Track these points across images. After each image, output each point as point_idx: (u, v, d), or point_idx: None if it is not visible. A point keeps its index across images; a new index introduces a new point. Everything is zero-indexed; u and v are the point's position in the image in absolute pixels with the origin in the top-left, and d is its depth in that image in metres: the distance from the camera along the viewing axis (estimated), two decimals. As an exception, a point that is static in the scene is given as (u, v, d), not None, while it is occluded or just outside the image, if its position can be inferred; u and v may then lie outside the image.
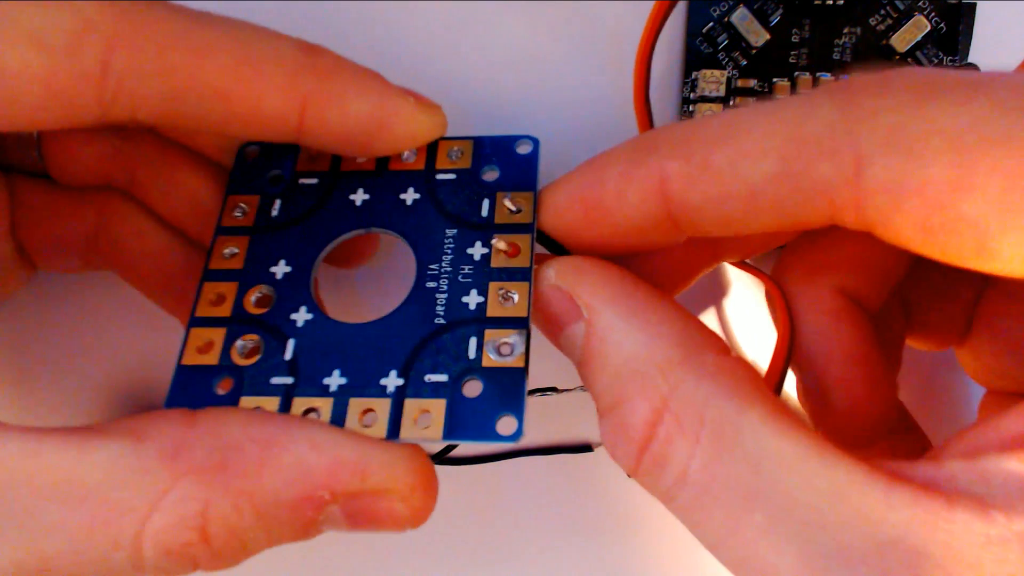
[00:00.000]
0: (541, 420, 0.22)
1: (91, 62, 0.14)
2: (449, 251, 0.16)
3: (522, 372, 0.15)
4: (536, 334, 0.15)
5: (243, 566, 0.14)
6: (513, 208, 0.16)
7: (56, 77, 0.13)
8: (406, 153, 0.17)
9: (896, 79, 0.12)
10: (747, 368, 0.13)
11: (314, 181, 0.18)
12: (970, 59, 0.20)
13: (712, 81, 0.21)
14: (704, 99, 0.21)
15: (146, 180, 0.18)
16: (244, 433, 0.13)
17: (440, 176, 0.17)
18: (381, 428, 0.14)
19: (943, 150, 0.11)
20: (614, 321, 0.14)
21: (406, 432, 0.14)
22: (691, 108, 0.21)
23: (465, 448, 0.21)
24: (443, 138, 0.17)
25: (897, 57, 0.21)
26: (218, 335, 0.16)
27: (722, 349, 0.13)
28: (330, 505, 0.13)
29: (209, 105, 0.15)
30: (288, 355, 0.15)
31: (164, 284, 0.19)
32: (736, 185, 0.13)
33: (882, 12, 0.21)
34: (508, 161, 0.17)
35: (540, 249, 0.16)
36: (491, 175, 0.17)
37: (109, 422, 0.13)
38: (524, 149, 0.17)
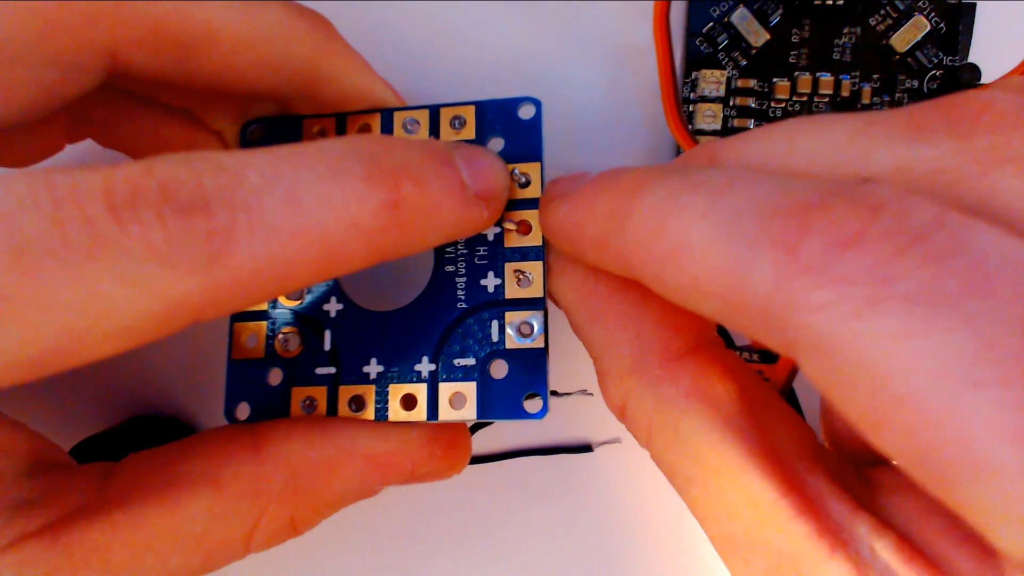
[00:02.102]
0: (542, 420, 0.22)
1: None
2: None
3: (543, 352, 0.16)
4: (553, 317, 0.16)
5: (243, 565, 0.15)
6: (521, 180, 0.16)
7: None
8: (409, 126, 0.17)
9: None
10: (690, 375, 0.13)
11: None
12: (970, 59, 0.20)
13: (712, 81, 0.21)
14: (704, 99, 0.21)
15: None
16: (307, 457, 0.15)
17: None
18: (421, 412, 0.16)
19: None
20: (582, 324, 0.15)
21: (444, 415, 0.16)
22: (691, 108, 0.21)
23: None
24: (443, 105, 0.17)
25: (897, 57, 0.21)
26: (259, 328, 0.17)
27: (671, 354, 0.13)
28: None
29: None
30: (327, 345, 0.17)
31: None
32: None
33: (882, 12, 0.21)
34: (512, 128, 0.17)
35: None
36: (496, 145, 0.17)
37: (179, 468, 0.15)
38: (527, 113, 0.17)
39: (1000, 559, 0.10)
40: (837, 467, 0.13)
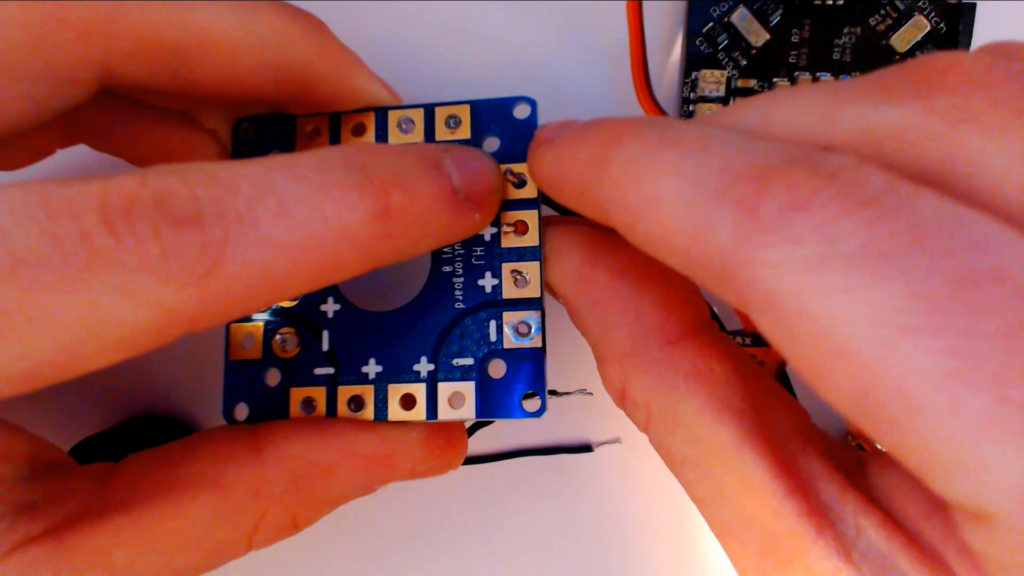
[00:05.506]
0: (541, 420, 0.22)
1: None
2: None
3: (541, 352, 0.16)
4: (550, 316, 0.16)
5: (241, 564, 0.15)
6: (516, 180, 0.16)
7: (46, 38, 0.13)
8: (404, 125, 0.17)
9: None
10: (689, 358, 0.13)
11: None
12: (970, 59, 0.20)
13: (712, 81, 0.21)
14: (704, 99, 0.21)
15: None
16: (308, 459, 0.15)
17: None
18: (420, 412, 0.16)
19: None
20: (580, 310, 0.15)
21: (443, 414, 0.16)
22: (691, 108, 0.21)
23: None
24: (439, 104, 0.17)
25: (897, 57, 0.21)
26: (256, 329, 0.17)
27: (669, 338, 0.14)
28: None
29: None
30: (325, 346, 0.17)
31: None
32: None
33: (882, 12, 0.21)
34: (508, 128, 0.17)
35: (547, 210, 0.16)
36: (492, 144, 0.17)
37: (181, 470, 0.15)
38: (522, 113, 0.17)
39: (950, 512, 0.10)
40: (829, 446, 0.13)
